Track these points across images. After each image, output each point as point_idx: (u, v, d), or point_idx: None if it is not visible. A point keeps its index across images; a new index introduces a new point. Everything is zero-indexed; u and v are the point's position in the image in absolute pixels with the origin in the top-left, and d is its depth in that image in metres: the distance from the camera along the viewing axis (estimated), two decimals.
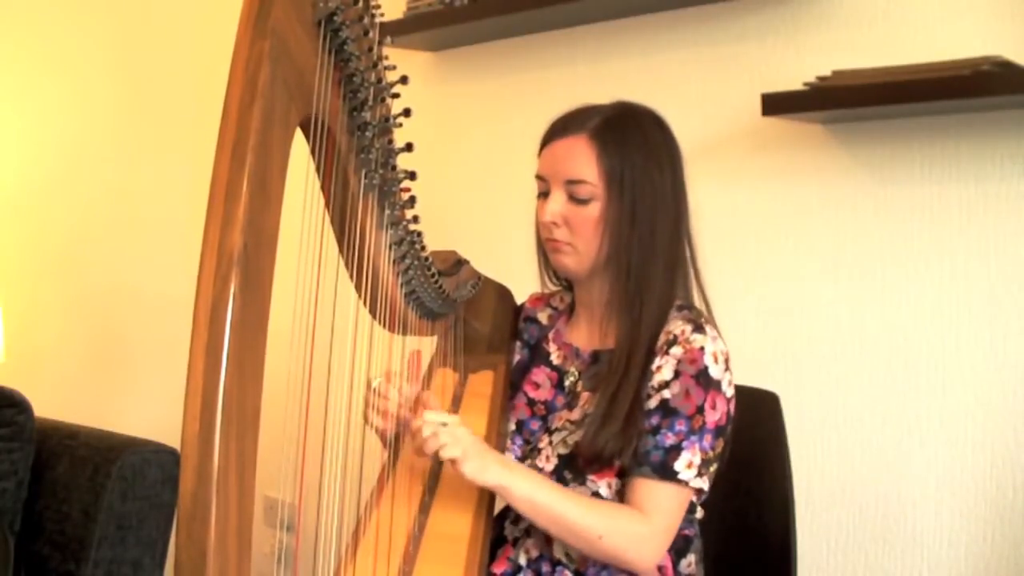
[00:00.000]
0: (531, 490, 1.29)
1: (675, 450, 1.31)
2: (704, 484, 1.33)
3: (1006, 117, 1.66)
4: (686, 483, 1.31)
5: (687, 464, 1.31)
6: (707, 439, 1.32)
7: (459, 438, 1.27)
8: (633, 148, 1.38)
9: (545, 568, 1.40)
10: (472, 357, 1.61)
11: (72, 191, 3.03)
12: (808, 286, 1.91)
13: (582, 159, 1.37)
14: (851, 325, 1.85)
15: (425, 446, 1.26)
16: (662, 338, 1.36)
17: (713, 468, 1.34)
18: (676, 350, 1.34)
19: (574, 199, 1.38)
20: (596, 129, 1.38)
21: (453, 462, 1.26)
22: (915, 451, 1.77)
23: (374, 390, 1.40)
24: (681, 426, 1.31)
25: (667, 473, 1.30)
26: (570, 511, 1.29)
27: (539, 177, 1.44)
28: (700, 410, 1.32)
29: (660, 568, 1.39)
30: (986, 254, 1.70)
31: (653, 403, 1.33)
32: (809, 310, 1.91)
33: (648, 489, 1.31)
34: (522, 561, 1.42)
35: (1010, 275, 1.67)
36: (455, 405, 1.54)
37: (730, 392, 1.36)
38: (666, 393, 1.33)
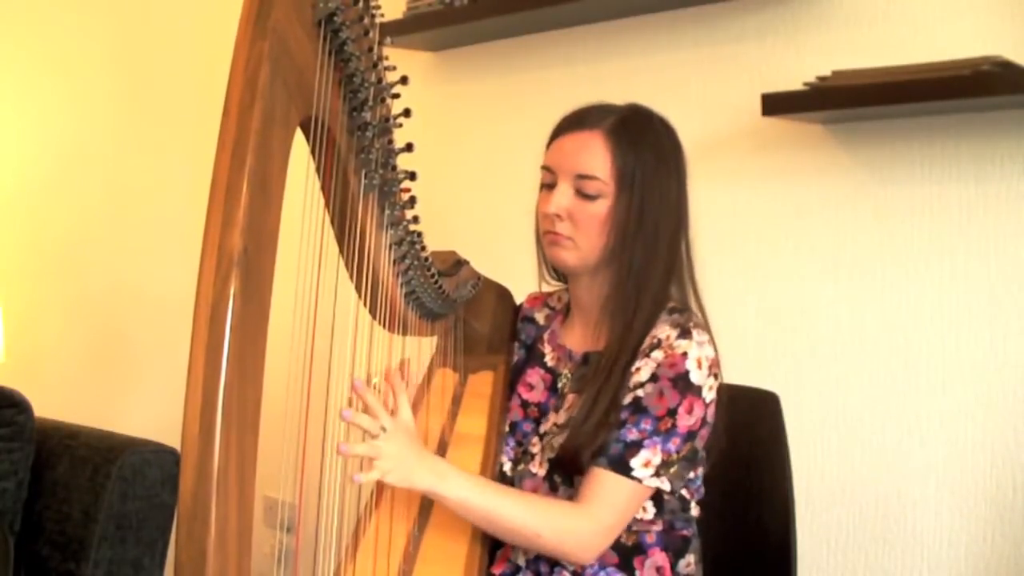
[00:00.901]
0: (465, 493, 1.27)
1: (635, 446, 1.30)
2: (662, 484, 1.32)
3: (1006, 117, 1.66)
4: (639, 480, 1.30)
5: (644, 462, 1.30)
6: (673, 442, 1.31)
7: (381, 457, 1.21)
8: (646, 150, 1.37)
9: (543, 568, 1.40)
10: (472, 357, 1.61)
11: (72, 191, 3.03)
12: (808, 286, 1.91)
13: (596, 155, 1.37)
14: (851, 325, 1.85)
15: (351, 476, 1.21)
16: (646, 341, 1.36)
17: (674, 470, 1.33)
18: (657, 354, 1.34)
19: (581, 194, 1.37)
20: (612, 127, 1.37)
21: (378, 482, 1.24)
22: (915, 451, 1.77)
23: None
24: (647, 425, 1.31)
25: (621, 467, 1.30)
26: (505, 512, 1.28)
27: (546, 168, 1.42)
28: (672, 413, 1.31)
29: (658, 568, 1.39)
30: (986, 254, 1.70)
31: (626, 400, 1.33)
32: (809, 310, 1.91)
33: (599, 480, 1.30)
34: (521, 561, 1.42)
35: (1010, 275, 1.67)
36: (455, 405, 1.54)
37: (710, 397, 1.35)
38: (640, 392, 1.33)
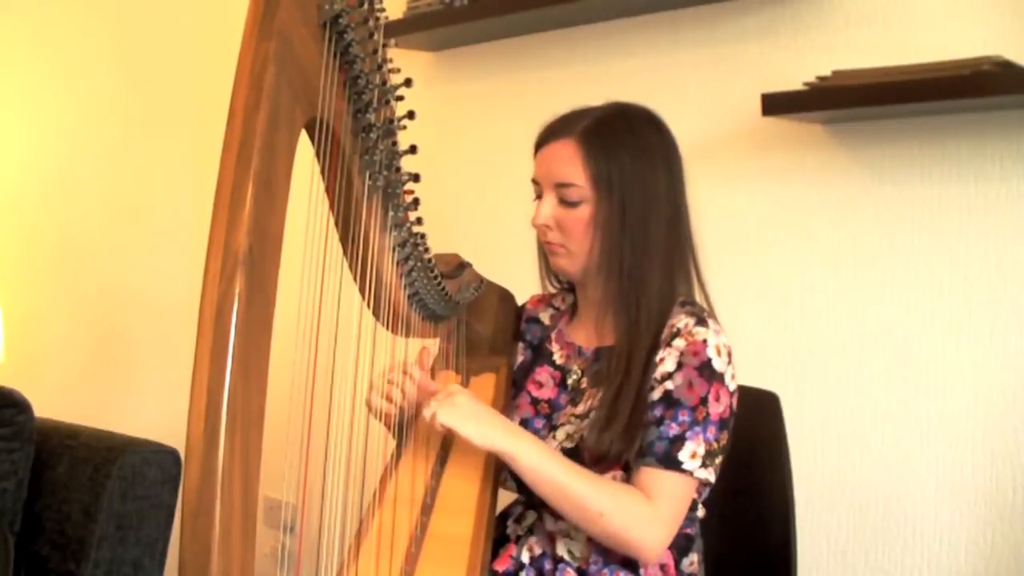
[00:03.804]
0: (538, 459, 1.29)
1: (679, 440, 1.31)
2: (709, 476, 1.33)
3: (1006, 117, 1.66)
4: (690, 473, 1.31)
5: (691, 454, 1.31)
6: (711, 430, 1.32)
7: (457, 404, 1.28)
8: (622, 149, 1.38)
9: (547, 566, 1.40)
10: (474, 359, 1.61)
11: (73, 191, 3.03)
12: (808, 286, 1.91)
13: (569, 162, 1.38)
14: (851, 325, 1.86)
15: (427, 420, 1.28)
16: (665, 332, 1.37)
17: (718, 460, 1.35)
18: (679, 342, 1.35)
19: (564, 202, 1.39)
20: (583, 132, 1.39)
21: (452, 429, 1.27)
22: (915, 451, 1.78)
23: (381, 373, 1.40)
24: (684, 416, 1.32)
25: (671, 462, 1.31)
26: (574, 484, 1.28)
27: (533, 181, 1.45)
28: (703, 401, 1.32)
29: (662, 566, 1.39)
30: (986, 254, 1.70)
31: (656, 394, 1.34)
32: (809, 310, 1.91)
33: (653, 477, 1.31)
34: (524, 559, 1.42)
35: (1010, 275, 1.68)
36: None
37: (733, 385, 1.36)
38: (669, 384, 1.34)
